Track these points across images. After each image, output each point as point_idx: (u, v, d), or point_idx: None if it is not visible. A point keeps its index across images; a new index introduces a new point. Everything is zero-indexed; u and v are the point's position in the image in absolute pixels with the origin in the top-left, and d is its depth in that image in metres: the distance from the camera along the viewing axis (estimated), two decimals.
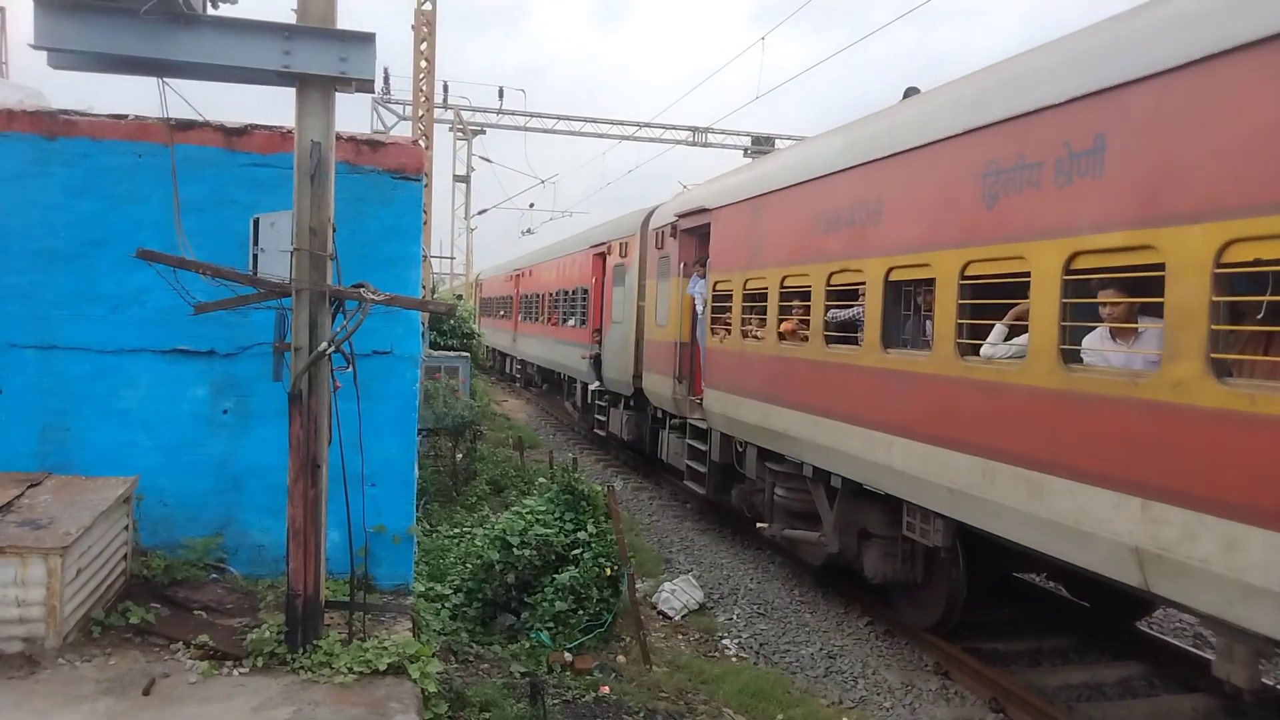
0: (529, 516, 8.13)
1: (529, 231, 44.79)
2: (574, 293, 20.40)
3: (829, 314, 8.46)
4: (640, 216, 15.30)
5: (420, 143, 7.27)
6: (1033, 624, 8.73)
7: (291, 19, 5.02)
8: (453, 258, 44.56)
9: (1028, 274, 5.85)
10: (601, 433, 18.13)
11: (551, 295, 23.46)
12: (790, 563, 10.77)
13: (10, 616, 4.89)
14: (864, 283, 7.76)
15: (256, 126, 6.53)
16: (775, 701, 6.84)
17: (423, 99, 23.38)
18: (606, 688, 6.58)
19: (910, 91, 8.77)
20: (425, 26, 22.62)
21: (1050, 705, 6.70)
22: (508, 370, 33.59)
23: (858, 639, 8.54)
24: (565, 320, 21.14)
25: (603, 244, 17.67)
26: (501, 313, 33.48)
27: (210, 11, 4.92)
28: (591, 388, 17.83)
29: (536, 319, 25.54)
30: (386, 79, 28.68)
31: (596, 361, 17.40)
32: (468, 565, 7.95)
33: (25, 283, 6.28)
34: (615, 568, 7.67)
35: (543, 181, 41.22)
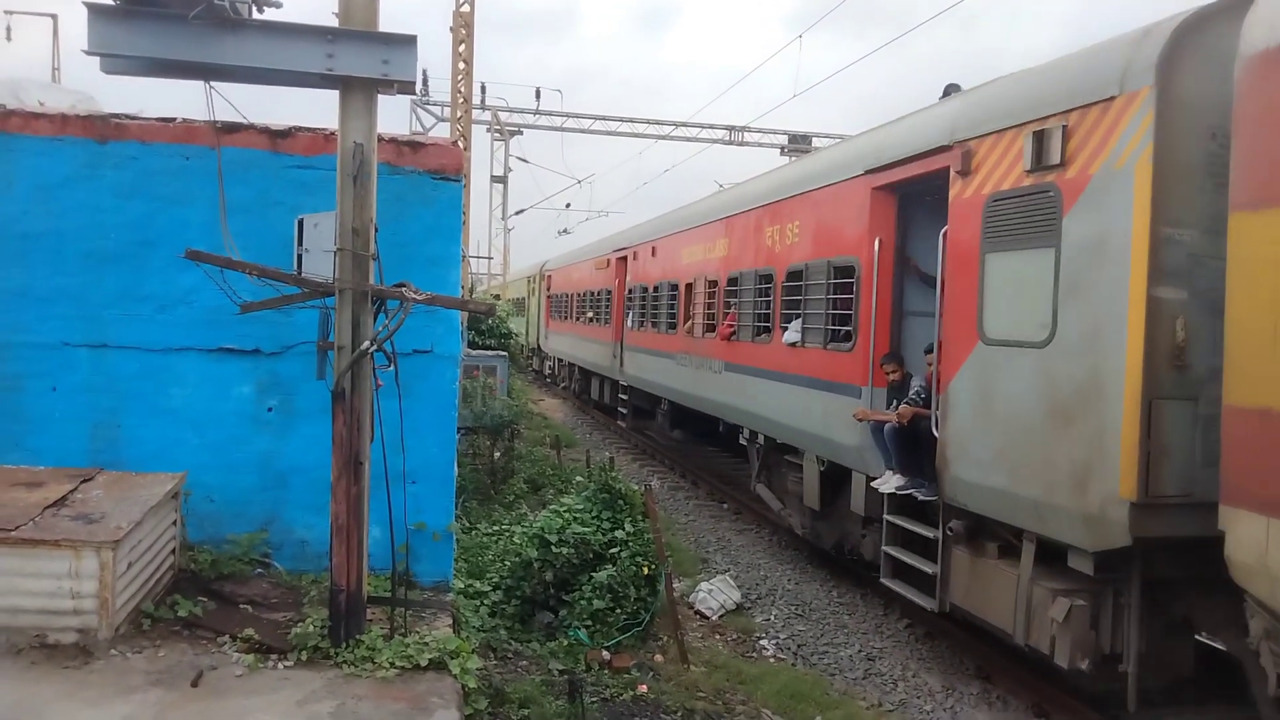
0: (567, 515, 8.17)
1: (565, 231, 45.00)
2: (801, 276, 9.91)
3: None
4: (1162, 31, 5.76)
5: (459, 143, 7.33)
6: None
7: (334, 22, 5.09)
8: (490, 257, 44.92)
9: None
10: (929, 605, 7.57)
11: (714, 284, 13.03)
12: (828, 564, 10.69)
13: (64, 608, 5.01)
14: None
15: (300, 129, 6.63)
16: (814, 703, 6.80)
17: (461, 100, 23.57)
18: (644, 686, 6.59)
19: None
20: (464, 29, 22.81)
21: (1095, 712, 6.58)
22: (596, 395, 23.14)
23: (897, 641, 8.46)
24: (762, 331, 11.08)
25: (933, 153, 7.67)
26: (590, 315, 22.71)
27: (256, 16, 5.01)
28: (883, 488, 8.14)
29: (669, 327, 15.33)
30: (425, 80, 28.96)
31: (905, 435, 7.87)
32: (506, 563, 8.01)
33: (77, 283, 6.44)
34: (653, 567, 7.68)
35: (579, 181, 41.39)
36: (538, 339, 32.40)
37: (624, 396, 19.20)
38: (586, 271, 23.74)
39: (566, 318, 26.40)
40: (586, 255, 24.45)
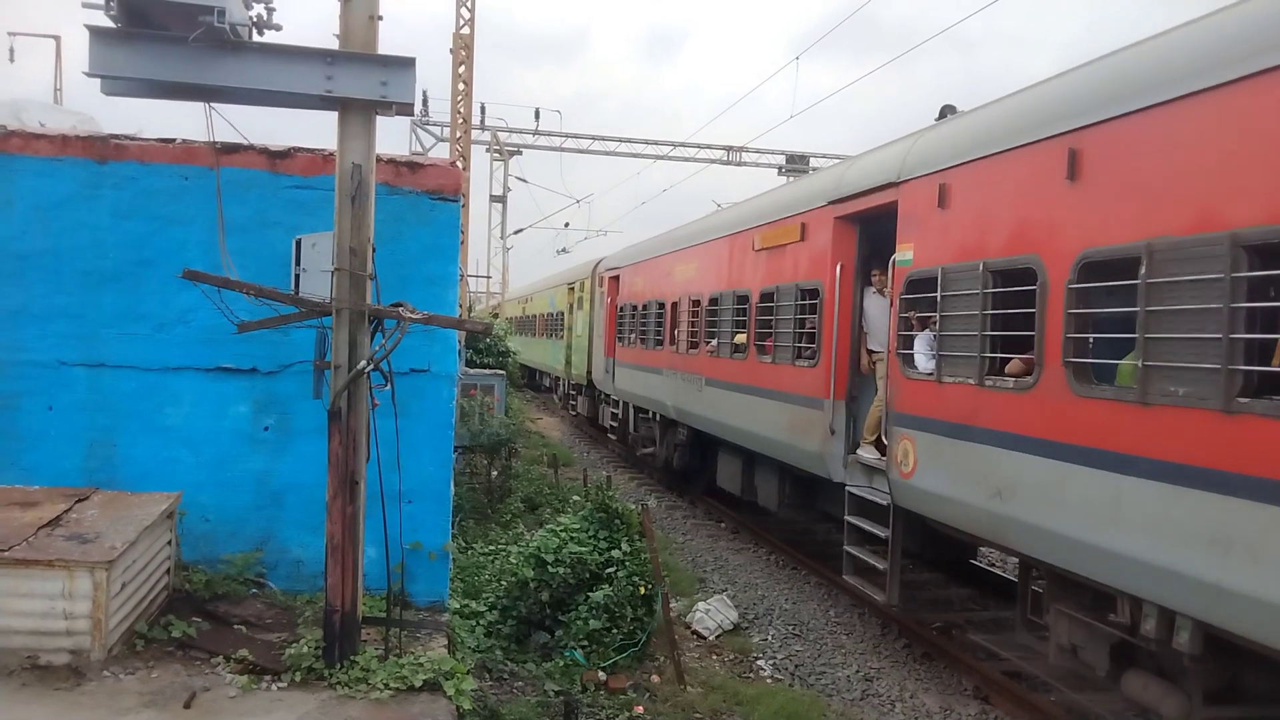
0: (563, 534, 8.15)
1: (564, 250, 45.20)
2: None
3: None
4: None
5: (458, 164, 7.38)
6: None
7: (334, 45, 5.14)
8: (489, 276, 45.04)
9: None
10: None
11: None
12: (826, 583, 10.66)
13: (57, 629, 4.99)
14: None
15: (299, 149, 6.67)
16: None
17: (460, 121, 23.70)
18: (640, 707, 6.56)
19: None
20: (464, 50, 22.97)
21: None
22: (738, 489, 12.63)
23: (895, 661, 8.42)
24: None
25: None
26: (736, 339, 11.82)
27: (256, 39, 5.06)
28: None
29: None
30: (425, 101, 29.14)
31: None
32: (502, 582, 7.98)
33: (75, 302, 6.46)
34: (649, 586, 7.65)
35: (578, 201, 41.73)
36: (588, 370, 22.01)
37: (864, 526, 8.49)
38: (718, 259, 12.90)
39: (661, 343, 15.42)
40: (713, 232, 13.34)
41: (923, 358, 7.56)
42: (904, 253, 7.89)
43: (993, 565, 11.26)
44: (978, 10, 13.89)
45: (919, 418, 7.52)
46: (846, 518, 8.78)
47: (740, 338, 11.70)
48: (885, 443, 8.12)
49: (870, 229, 9.06)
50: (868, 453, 8.69)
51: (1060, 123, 6.07)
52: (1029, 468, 6.15)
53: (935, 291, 7.23)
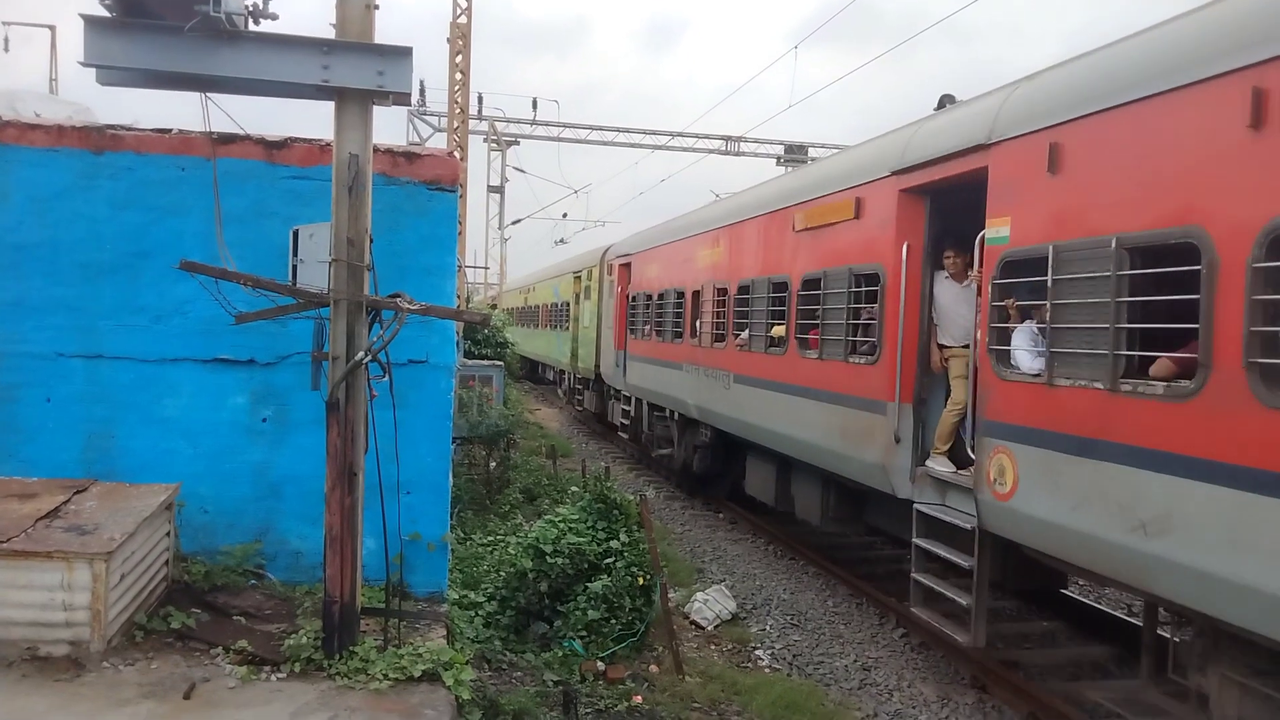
0: (562, 525, 8.16)
1: (562, 241, 45.17)
2: None
3: None
4: None
5: (455, 154, 7.36)
6: (1072, 636, 8.58)
7: (331, 34, 5.11)
8: (487, 267, 44.98)
9: None
10: None
11: None
12: (824, 574, 10.69)
13: (57, 620, 5.00)
14: None
15: (296, 140, 6.65)
16: (809, 713, 6.79)
17: (458, 110, 23.62)
18: (639, 697, 6.58)
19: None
20: (460, 40, 22.87)
21: None
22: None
23: (892, 651, 8.45)
24: None
25: None
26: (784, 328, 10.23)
27: (251, 28, 5.03)
28: None
29: None
30: (422, 91, 29.03)
31: None
32: (501, 573, 7.99)
33: (73, 294, 6.44)
34: (648, 577, 7.67)
35: (575, 192, 41.65)
36: (596, 363, 21.16)
37: (940, 552, 7.30)
38: (749, 242, 11.68)
39: (680, 336, 14.27)
40: (742, 213, 12.03)
41: (1026, 355, 6.31)
42: (997, 228, 6.58)
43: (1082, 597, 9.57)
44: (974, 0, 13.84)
45: (1021, 428, 6.21)
46: (915, 540, 7.48)
47: (778, 330, 10.40)
48: (971, 455, 6.94)
49: (941, 202, 7.78)
50: (941, 465, 7.50)
51: (1239, 55, 4.66)
52: (1191, 497, 4.81)
53: (1043, 275, 5.96)
